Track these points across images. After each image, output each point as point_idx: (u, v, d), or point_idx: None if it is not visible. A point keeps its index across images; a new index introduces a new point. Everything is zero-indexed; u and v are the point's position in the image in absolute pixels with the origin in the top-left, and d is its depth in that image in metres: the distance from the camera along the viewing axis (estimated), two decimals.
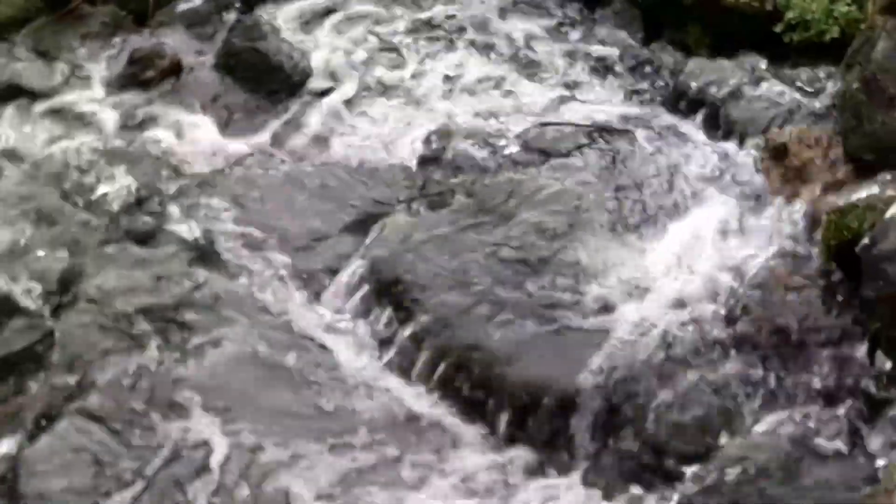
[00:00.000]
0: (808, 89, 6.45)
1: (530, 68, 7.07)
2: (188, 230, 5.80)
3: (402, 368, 5.20)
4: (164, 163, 6.20)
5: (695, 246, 5.54)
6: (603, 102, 6.77)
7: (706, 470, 4.63)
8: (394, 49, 7.23)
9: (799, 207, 5.54)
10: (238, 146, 6.39)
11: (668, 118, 6.54)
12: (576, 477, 4.83)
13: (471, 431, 4.99)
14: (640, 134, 6.30)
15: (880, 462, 4.47)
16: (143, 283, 5.50)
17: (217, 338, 5.26)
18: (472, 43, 7.29)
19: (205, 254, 5.68)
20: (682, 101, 6.61)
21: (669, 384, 4.94)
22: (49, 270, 5.52)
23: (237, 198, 5.97)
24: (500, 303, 5.28)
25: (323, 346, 5.29)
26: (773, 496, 4.44)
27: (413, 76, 6.99)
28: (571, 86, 6.93)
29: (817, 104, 6.25)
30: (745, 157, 6.09)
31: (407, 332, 5.26)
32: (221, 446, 4.83)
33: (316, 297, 5.52)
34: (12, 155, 6.24)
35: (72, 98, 6.73)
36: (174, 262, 5.62)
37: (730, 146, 6.23)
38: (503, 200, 5.78)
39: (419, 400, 5.10)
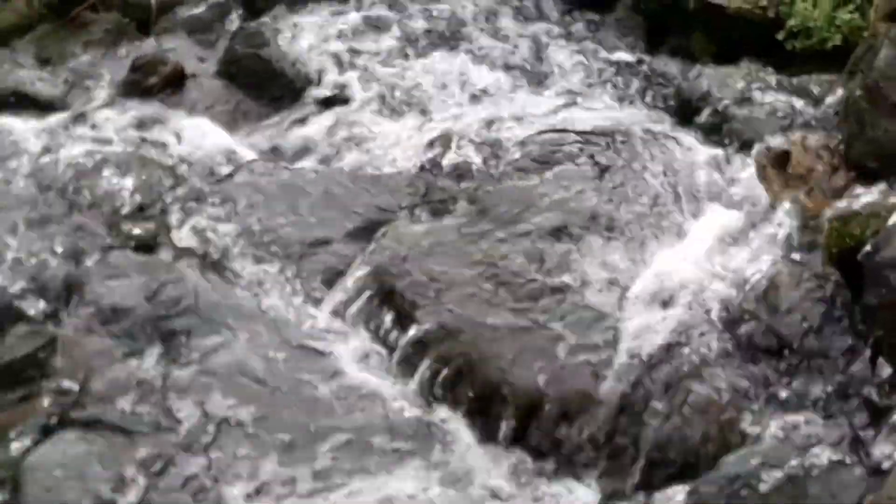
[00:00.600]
0: (811, 96, 6.44)
1: (533, 75, 7.08)
2: (190, 237, 5.81)
3: (404, 374, 5.19)
4: (166, 169, 6.21)
5: (697, 253, 5.54)
6: (606, 109, 6.78)
7: (706, 480, 4.61)
8: (397, 55, 7.25)
9: (801, 215, 5.54)
10: (240, 152, 6.40)
11: (670, 125, 6.54)
12: (578, 484, 4.83)
13: (473, 438, 4.99)
14: (644, 141, 6.30)
15: (883, 469, 4.46)
16: (145, 290, 5.50)
17: (219, 344, 5.26)
18: (475, 49, 7.31)
19: (207, 260, 5.69)
20: (684, 108, 6.61)
21: (671, 391, 4.94)
22: (51, 277, 5.53)
23: (239, 204, 5.97)
24: (502, 309, 5.28)
25: (325, 353, 5.29)
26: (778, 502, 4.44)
27: (416, 83, 7.00)
28: (574, 93, 6.94)
29: (820, 111, 6.25)
30: (748, 164, 6.08)
31: (409, 338, 5.25)
32: (223, 452, 4.83)
33: (318, 303, 5.52)
34: (15, 161, 6.24)
35: (75, 105, 6.74)
36: (176, 268, 5.62)
37: (732, 153, 6.22)
38: (506, 207, 5.79)
39: (421, 406, 5.09)
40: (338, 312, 5.47)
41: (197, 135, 6.50)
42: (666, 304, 5.28)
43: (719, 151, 6.25)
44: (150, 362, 5.18)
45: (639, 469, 4.82)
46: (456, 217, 5.79)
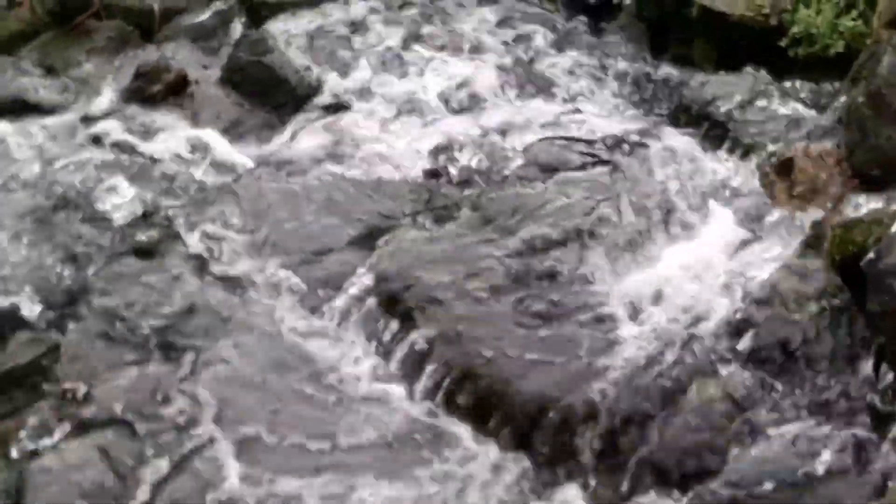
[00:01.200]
0: (814, 104, 6.45)
1: (536, 82, 7.09)
2: (193, 244, 5.81)
3: (408, 381, 5.19)
4: (169, 176, 6.22)
5: (700, 260, 5.54)
6: (608, 116, 6.78)
7: (712, 485, 4.61)
8: (399, 63, 7.25)
9: (804, 222, 5.54)
10: (244, 159, 6.41)
11: (673, 132, 6.53)
12: (580, 491, 4.83)
13: (475, 444, 4.98)
14: (645, 148, 6.30)
15: (886, 476, 4.46)
16: (149, 297, 5.51)
17: (222, 350, 5.27)
18: (478, 57, 7.31)
19: (210, 267, 5.69)
20: (687, 116, 6.61)
21: (675, 399, 4.93)
22: (54, 284, 5.54)
23: (243, 211, 5.98)
24: (505, 316, 5.28)
25: (327, 359, 5.29)
26: None
27: (419, 90, 7.01)
28: (577, 99, 6.95)
29: (822, 119, 6.25)
30: (751, 171, 6.09)
31: (412, 345, 5.25)
32: (227, 457, 4.83)
33: (322, 310, 5.52)
34: (18, 169, 6.25)
35: (78, 112, 6.75)
36: (180, 275, 5.63)
37: (735, 160, 6.22)
38: (509, 214, 5.78)
39: (424, 412, 5.09)
40: (341, 319, 5.47)
41: (200, 142, 6.51)
42: (668, 310, 5.28)
43: (722, 158, 6.25)
44: (153, 369, 5.18)
45: (641, 476, 4.82)
46: (459, 224, 5.79)
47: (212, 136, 6.56)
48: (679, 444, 4.81)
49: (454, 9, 7.77)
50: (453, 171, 6.25)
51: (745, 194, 5.97)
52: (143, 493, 4.70)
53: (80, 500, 4.66)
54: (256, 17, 7.61)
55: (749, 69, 6.75)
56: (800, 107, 6.40)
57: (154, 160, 6.34)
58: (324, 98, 6.89)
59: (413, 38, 7.47)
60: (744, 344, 5.05)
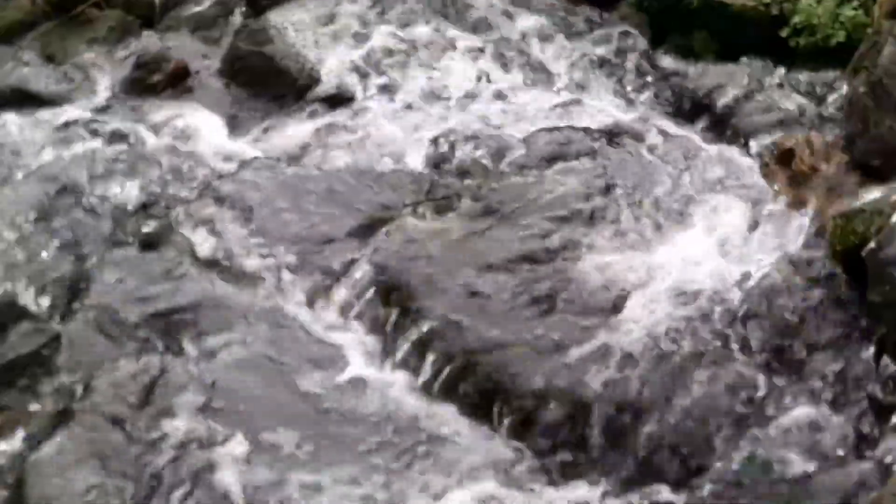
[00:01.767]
0: (814, 94, 6.45)
1: (537, 72, 7.09)
2: (194, 234, 5.81)
3: (408, 372, 5.19)
4: (170, 167, 6.21)
5: (701, 250, 5.54)
6: (608, 107, 6.78)
7: (712, 474, 4.62)
8: (400, 53, 7.24)
9: (805, 212, 5.54)
10: (244, 150, 6.41)
11: (673, 123, 6.54)
12: (581, 481, 4.83)
13: (476, 435, 4.98)
14: (646, 138, 6.30)
15: (887, 465, 4.46)
16: (149, 287, 5.51)
17: (222, 341, 5.26)
18: (479, 48, 7.30)
19: (210, 257, 5.69)
20: (687, 106, 6.62)
21: (676, 388, 4.94)
22: (55, 274, 5.54)
23: (243, 201, 5.97)
24: (506, 306, 5.28)
25: (328, 350, 5.29)
26: (780, 501, 4.44)
27: (419, 80, 7.00)
28: (577, 90, 6.95)
29: (823, 109, 6.26)
30: (751, 161, 6.09)
31: (413, 335, 5.25)
32: (226, 448, 4.82)
33: (322, 300, 5.52)
34: (18, 159, 6.25)
35: (78, 102, 6.75)
36: (180, 265, 5.63)
37: (735, 151, 6.23)
38: (509, 204, 5.78)
39: (424, 403, 5.09)
40: (341, 309, 5.47)
41: (200, 132, 6.51)
42: (669, 301, 5.28)
43: (723, 149, 6.25)
44: (153, 360, 5.17)
45: (640, 468, 4.82)
46: (460, 214, 5.79)
47: (212, 126, 6.56)
48: (681, 433, 4.81)
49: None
50: (454, 161, 6.24)
51: (746, 184, 5.96)
52: (142, 485, 4.70)
53: (81, 492, 4.66)
54: (257, 7, 7.60)
55: (750, 59, 6.75)
56: (800, 97, 6.40)
57: (154, 150, 6.33)
58: (325, 88, 6.88)
59: (415, 28, 7.45)
60: (745, 334, 5.06)
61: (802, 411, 4.76)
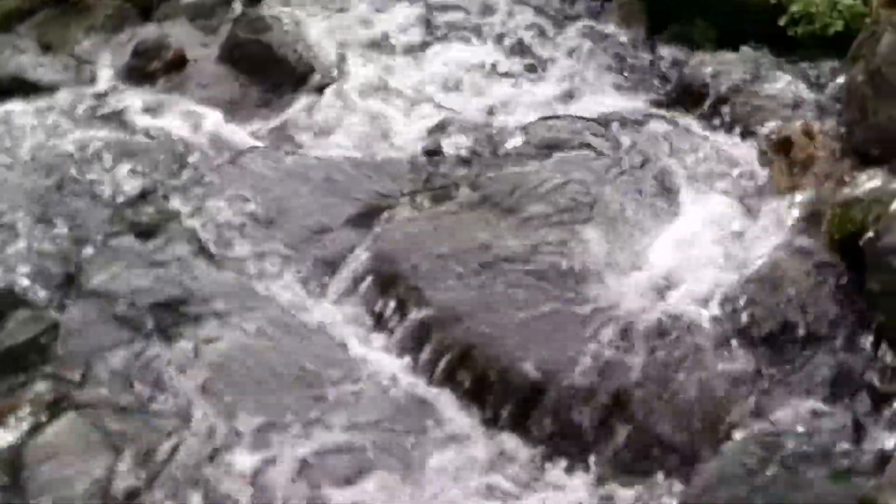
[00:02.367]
0: (813, 83, 6.44)
1: (534, 61, 7.07)
2: (192, 222, 5.80)
3: (406, 360, 5.20)
4: (168, 155, 6.21)
5: (699, 239, 5.54)
6: (607, 96, 6.77)
7: (709, 464, 4.62)
8: (398, 42, 7.24)
9: (803, 200, 5.54)
10: (242, 138, 6.41)
11: (672, 112, 6.53)
12: (577, 469, 4.83)
13: (473, 422, 4.99)
14: (644, 127, 6.30)
15: (885, 454, 4.46)
16: (147, 276, 5.51)
17: (221, 329, 5.27)
18: (477, 36, 7.30)
19: (209, 246, 5.68)
20: (686, 95, 6.61)
21: (673, 377, 4.94)
22: (53, 262, 5.54)
23: (241, 190, 5.97)
24: (503, 295, 5.28)
25: (326, 338, 5.29)
26: (777, 490, 4.44)
27: (417, 69, 7.00)
28: (575, 79, 6.93)
29: (822, 97, 6.25)
30: (750, 150, 6.09)
31: (411, 323, 5.26)
32: (226, 436, 4.83)
33: (320, 288, 5.52)
34: (16, 147, 6.24)
35: (76, 90, 6.74)
36: (178, 254, 5.63)
37: (734, 139, 6.22)
38: (507, 193, 5.78)
39: (422, 391, 5.09)
40: (339, 297, 5.47)
41: (198, 120, 6.50)
42: (667, 289, 5.28)
43: (721, 138, 6.24)
44: (151, 348, 5.18)
45: (637, 456, 4.83)
46: (457, 203, 5.79)
47: (210, 115, 6.55)
48: (679, 421, 4.82)
49: None
50: (452, 150, 6.24)
51: (744, 173, 5.96)
52: (140, 473, 4.70)
53: (78, 480, 4.66)
54: None
55: (748, 48, 6.74)
56: (799, 86, 6.39)
57: (152, 138, 6.33)
58: (323, 77, 6.87)
59: (413, 17, 7.44)
60: (743, 322, 5.06)
61: (800, 400, 4.77)
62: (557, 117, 6.39)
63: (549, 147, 6.14)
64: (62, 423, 4.86)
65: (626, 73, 7.01)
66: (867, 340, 4.87)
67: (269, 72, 6.83)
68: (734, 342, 5.03)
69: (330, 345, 5.27)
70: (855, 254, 4.93)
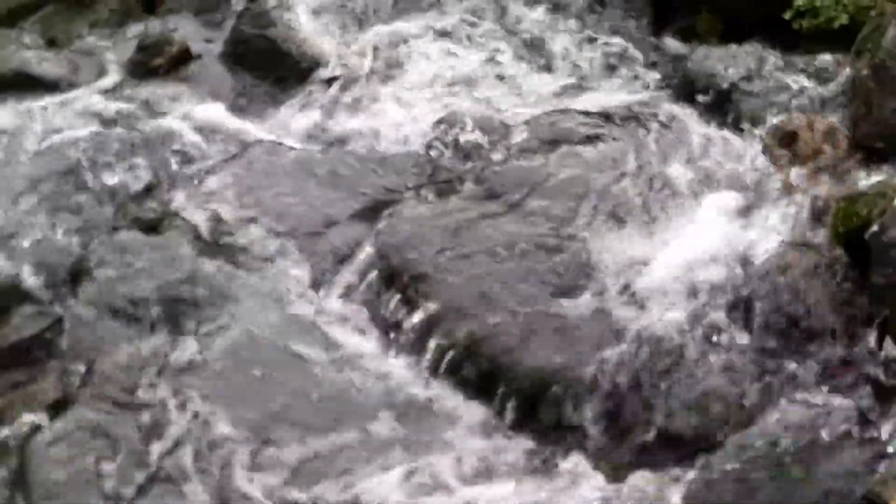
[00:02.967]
0: (818, 77, 6.42)
1: (539, 56, 7.06)
2: (196, 217, 5.81)
3: (411, 355, 5.20)
4: (172, 150, 6.21)
5: (703, 233, 5.53)
6: (611, 90, 6.75)
7: (715, 457, 4.62)
8: (402, 37, 7.23)
9: (808, 194, 5.54)
10: (247, 133, 6.40)
11: (676, 106, 6.51)
12: (584, 463, 4.83)
13: (479, 418, 4.99)
14: (649, 122, 6.28)
15: (890, 449, 4.46)
16: (151, 271, 5.51)
17: (225, 324, 5.27)
18: (481, 31, 7.28)
19: (213, 240, 5.69)
20: (691, 89, 6.59)
21: (678, 371, 4.94)
22: (58, 257, 5.54)
23: (246, 185, 5.97)
24: (509, 290, 5.28)
25: (331, 333, 5.30)
26: (782, 483, 4.44)
27: (422, 64, 6.98)
28: (580, 73, 6.92)
29: (827, 91, 6.23)
30: (755, 144, 6.07)
31: (416, 318, 5.26)
32: (229, 430, 4.84)
33: (325, 283, 5.52)
34: (20, 143, 6.25)
35: (80, 86, 6.74)
36: (182, 248, 5.63)
37: (739, 133, 6.21)
38: (512, 188, 5.78)
39: (427, 386, 5.10)
40: (345, 292, 5.47)
41: (202, 115, 6.50)
42: (671, 284, 5.27)
43: (726, 132, 6.23)
44: (156, 342, 5.19)
45: (646, 448, 4.83)
46: (463, 197, 5.79)
47: (214, 110, 6.55)
48: (684, 415, 4.82)
49: None
50: (456, 144, 6.23)
51: (749, 167, 5.95)
52: (143, 469, 4.71)
53: (82, 476, 4.67)
54: None
55: (753, 42, 6.72)
56: (804, 79, 6.37)
57: (156, 133, 6.32)
58: (327, 71, 6.86)
59: (417, 12, 7.43)
60: (748, 316, 5.05)
61: (805, 393, 4.77)
62: (562, 111, 6.37)
63: (554, 141, 6.13)
64: (66, 418, 4.87)
65: (630, 67, 6.99)
66: (871, 334, 4.87)
67: (274, 66, 6.82)
68: (740, 335, 5.02)
69: (334, 340, 5.27)
70: (860, 247, 4.92)
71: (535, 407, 4.99)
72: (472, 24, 7.33)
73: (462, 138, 6.25)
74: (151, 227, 5.77)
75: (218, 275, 5.50)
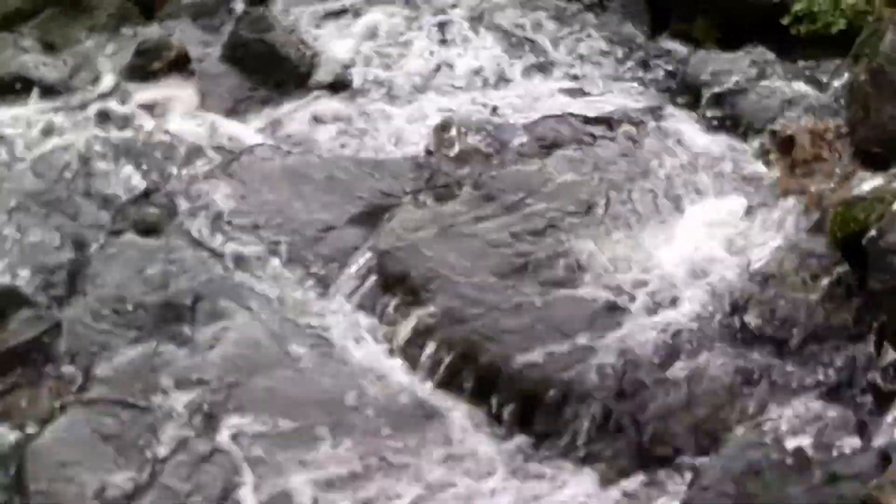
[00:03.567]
0: (816, 82, 6.44)
1: (537, 60, 7.07)
2: (194, 222, 5.80)
3: (409, 359, 5.20)
4: (170, 154, 6.21)
5: (701, 238, 5.54)
6: (609, 94, 6.76)
7: (712, 462, 4.62)
8: (400, 40, 7.23)
9: (805, 199, 5.54)
10: (245, 137, 6.40)
11: (674, 110, 6.53)
12: (581, 467, 4.83)
13: (476, 422, 4.99)
14: (646, 126, 6.29)
15: (887, 453, 4.46)
16: (150, 275, 5.51)
17: (223, 328, 5.27)
18: (479, 35, 7.29)
19: (211, 245, 5.68)
20: (688, 94, 6.61)
21: (676, 376, 4.94)
22: (56, 261, 5.54)
23: (244, 189, 5.97)
24: (507, 294, 5.28)
25: (329, 337, 5.30)
26: (779, 489, 4.44)
27: (419, 68, 6.99)
28: (578, 77, 6.93)
29: (824, 96, 6.24)
30: (752, 149, 6.08)
31: (414, 323, 5.26)
32: (227, 436, 4.84)
33: (323, 288, 5.52)
34: (18, 147, 6.24)
35: (79, 90, 6.73)
36: (180, 253, 5.63)
37: (736, 138, 6.22)
38: (510, 192, 5.78)
39: (425, 390, 5.10)
40: (343, 297, 5.47)
41: (201, 119, 6.51)
42: (669, 289, 5.28)
43: (723, 136, 6.24)
44: (154, 348, 5.19)
45: (642, 453, 4.83)
46: (460, 202, 5.79)
47: (212, 114, 6.55)
48: (681, 420, 4.82)
49: None
50: (454, 148, 6.23)
51: (746, 172, 5.96)
52: (142, 474, 4.71)
53: (81, 480, 4.67)
54: None
55: (751, 47, 6.73)
56: (801, 84, 6.38)
57: (154, 137, 6.33)
58: (325, 76, 6.87)
59: (414, 16, 7.44)
60: (745, 321, 5.06)
61: (802, 399, 4.77)
62: (560, 115, 6.38)
63: (552, 145, 6.14)
64: (64, 423, 4.86)
65: (628, 72, 7.00)
66: (869, 339, 4.87)
67: (272, 71, 6.83)
68: (736, 340, 5.03)
69: (332, 344, 5.27)
70: (857, 253, 4.92)
71: (531, 410, 4.99)
72: (471, 28, 7.33)
73: (460, 142, 6.25)
74: (150, 231, 5.77)
75: (216, 279, 5.50)
